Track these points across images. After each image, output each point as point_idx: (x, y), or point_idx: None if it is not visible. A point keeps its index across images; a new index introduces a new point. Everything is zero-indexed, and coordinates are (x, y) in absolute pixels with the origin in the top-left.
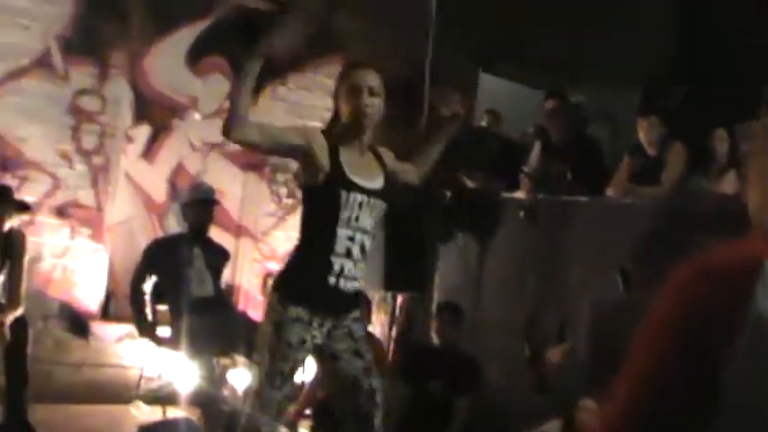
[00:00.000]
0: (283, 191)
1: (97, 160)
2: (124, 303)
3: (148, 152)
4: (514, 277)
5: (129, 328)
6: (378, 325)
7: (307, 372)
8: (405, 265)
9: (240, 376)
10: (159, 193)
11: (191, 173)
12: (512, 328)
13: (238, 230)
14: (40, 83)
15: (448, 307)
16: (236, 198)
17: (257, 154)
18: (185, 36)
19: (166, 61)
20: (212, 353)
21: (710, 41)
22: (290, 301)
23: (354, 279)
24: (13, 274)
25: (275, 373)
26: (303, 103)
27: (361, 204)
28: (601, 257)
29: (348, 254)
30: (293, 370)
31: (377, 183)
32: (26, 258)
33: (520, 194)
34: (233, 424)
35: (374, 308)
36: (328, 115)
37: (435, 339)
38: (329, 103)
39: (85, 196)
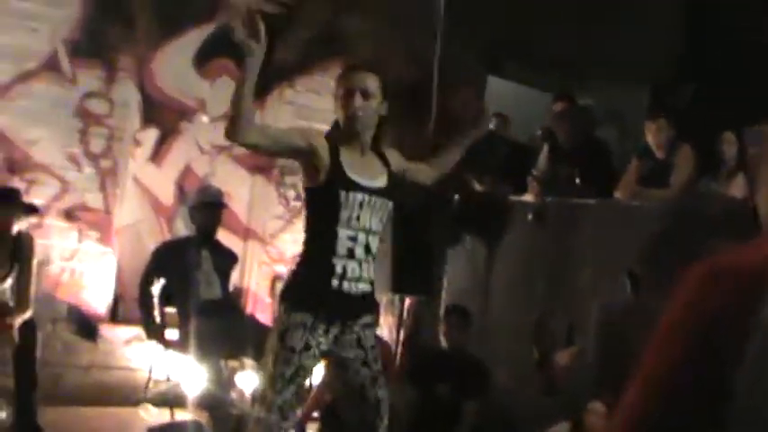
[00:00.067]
0: (291, 193)
1: (105, 163)
2: (132, 306)
3: (156, 155)
4: (523, 280)
5: (138, 330)
6: (385, 328)
7: (314, 375)
8: (413, 268)
9: (248, 379)
10: (167, 195)
11: (199, 176)
12: (520, 332)
13: (246, 233)
14: (48, 86)
15: (456, 310)
16: (244, 201)
17: (262, 156)
18: (193, 39)
19: (174, 64)
20: (220, 356)
21: (719, 40)
22: (294, 307)
23: (360, 280)
24: (22, 277)
25: (276, 377)
26: (311, 106)
27: (361, 203)
28: (609, 260)
29: (350, 254)
30: (296, 375)
31: (379, 182)
32: (35, 261)
33: (528, 197)
34: (241, 427)
35: (382, 311)
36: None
37: (443, 343)
38: None
39: (94, 199)
